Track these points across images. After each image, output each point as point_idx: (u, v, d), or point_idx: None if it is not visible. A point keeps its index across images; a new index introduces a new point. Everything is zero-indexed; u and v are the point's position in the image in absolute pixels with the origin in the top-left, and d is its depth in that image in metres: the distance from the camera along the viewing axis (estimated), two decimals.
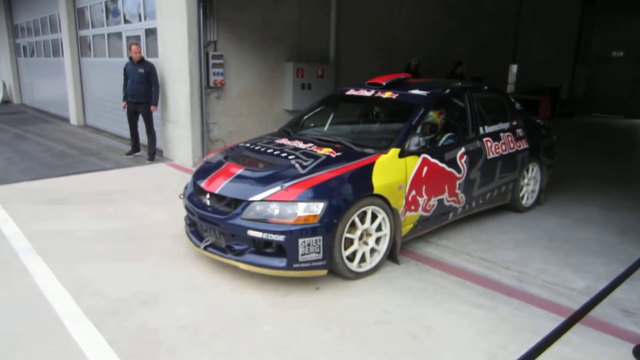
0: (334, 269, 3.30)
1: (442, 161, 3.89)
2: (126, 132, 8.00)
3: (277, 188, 3.20)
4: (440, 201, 3.94)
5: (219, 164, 3.74)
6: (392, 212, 3.52)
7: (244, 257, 3.23)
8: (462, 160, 4.05)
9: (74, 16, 10.21)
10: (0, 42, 15.15)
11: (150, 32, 7.64)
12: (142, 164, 6.93)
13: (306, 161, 3.51)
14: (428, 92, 4.08)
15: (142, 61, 6.95)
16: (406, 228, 3.72)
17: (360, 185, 3.34)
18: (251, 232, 3.14)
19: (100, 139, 8.84)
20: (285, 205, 3.13)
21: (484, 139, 4.32)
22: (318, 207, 3.13)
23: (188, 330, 2.77)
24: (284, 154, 3.70)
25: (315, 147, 3.78)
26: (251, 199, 3.21)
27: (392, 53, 9.09)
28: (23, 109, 13.45)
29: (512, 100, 4.97)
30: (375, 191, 3.37)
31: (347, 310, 3.03)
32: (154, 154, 7.18)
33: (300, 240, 3.09)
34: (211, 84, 6.85)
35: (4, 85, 14.85)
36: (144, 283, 3.32)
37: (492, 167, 4.38)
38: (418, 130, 3.79)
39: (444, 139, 4.07)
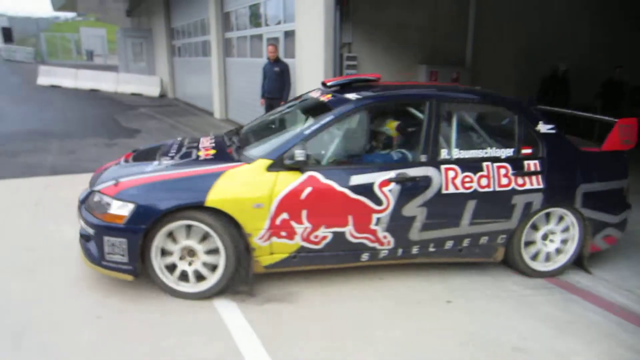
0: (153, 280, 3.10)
1: (344, 185, 3.08)
2: None
3: (113, 181, 3.09)
4: (339, 235, 3.15)
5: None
6: (239, 233, 3.02)
7: (86, 244, 3.12)
8: (386, 189, 3.13)
9: (221, 20, 11.12)
10: (160, 43, 17.14)
11: (289, 34, 8.01)
12: None
13: (170, 160, 3.31)
14: (360, 97, 3.32)
15: (277, 60, 7.38)
16: (275, 257, 3.14)
17: (189, 194, 2.96)
18: (80, 221, 3.14)
19: None
20: (106, 200, 3.00)
21: (443, 166, 3.24)
22: (127, 208, 2.91)
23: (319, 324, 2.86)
24: (172, 152, 3.52)
25: (207, 148, 3.52)
26: (94, 188, 3.18)
27: (537, 57, 8.40)
28: (175, 102, 15.07)
29: (536, 118, 3.48)
30: (208, 204, 2.93)
31: (481, 330, 2.85)
32: None
33: (105, 238, 2.93)
34: None
35: (162, 81, 16.77)
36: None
37: (454, 206, 3.27)
38: (340, 142, 3.27)
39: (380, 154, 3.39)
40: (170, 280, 3.10)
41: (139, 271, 3.02)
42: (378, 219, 3.16)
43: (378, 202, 3.13)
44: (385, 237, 3.23)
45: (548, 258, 3.58)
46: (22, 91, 15.70)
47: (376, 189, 3.12)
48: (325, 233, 3.14)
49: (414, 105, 3.50)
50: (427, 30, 7.46)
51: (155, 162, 3.30)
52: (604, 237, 3.62)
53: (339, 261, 3.28)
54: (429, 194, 3.19)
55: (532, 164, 3.37)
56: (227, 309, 3.00)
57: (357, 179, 3.11)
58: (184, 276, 3.11)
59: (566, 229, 3.54)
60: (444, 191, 3.21)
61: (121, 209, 2.93)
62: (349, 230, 3.16)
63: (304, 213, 3.07)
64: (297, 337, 2.75)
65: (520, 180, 3.33)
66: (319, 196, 3.07)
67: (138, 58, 18.99)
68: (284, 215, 3.06)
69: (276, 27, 8.56)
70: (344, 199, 3.09)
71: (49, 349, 2.60)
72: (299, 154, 2.97)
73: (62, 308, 2.99)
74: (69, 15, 53.64)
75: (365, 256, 3.28)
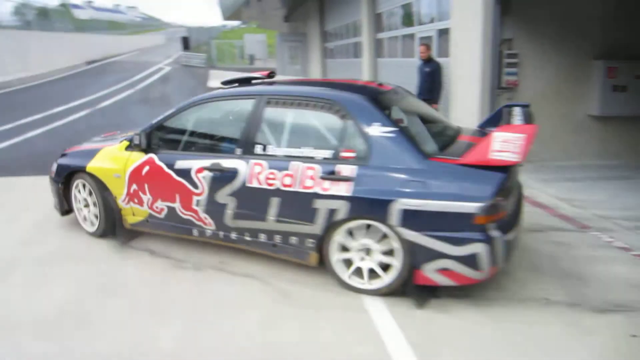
0: None
1: (170, 167, 3.68)
2: None
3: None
4: (172, 209, 3.77)
5: None
6: (109, 194, 4.05)
7: None
8: (200, 175, 3.55)
9: (373, 21, 11.27)
10: (313, 46, 18.07)
11: (443, 33, 7.78)
12: None
13: (100, 137, 4.86)
14: (205, 94, 3.86)
15: (429, 60, 7.21)
16: (136, 218, 4.02)
17: (81, 161, 4.18)
18: None
19: None
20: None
21: (252, 161, 3.36)
22: (55, 167, 4.38)
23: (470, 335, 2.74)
24: (117, 133, 4.89)
25: (130, 131, 4.51)
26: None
27: None
28: None
29: (372, 118, 3.12)
30: (87, 170, 4.09)
31: None
32: None
33: (51, 187, 4.49)
34: (503, 85, 6.54)
35: None
36: None
37: (258, 200, 3.34)
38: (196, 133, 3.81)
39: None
40: (85, 225, 4.33)
41: (62, 211, 4.44)
42: (197, 201, 3.61)
43: (195, 186, 3.58)
44: (206, 218, 3.64)
45: (372, 275, 3.19)
46: (196, 92, 17.83)
47: (193, 174, 3.58)
48: (162, 205, 3.82)
49: (244, 102, 3.61)
50: (604, 21, 6.58)
51: (99, 137, 4.84)
52: (440, 270, 2.95)
53: (177, 231, 3.85)
54: (236, 185, 3.40)
55: (346, 169, 3.06)
56: (377, 311, 3.05)
57: (180, 164, 3.64)
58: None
59: (390, 248, 3.07)
60: (248, 184, 3.35)
61: (54, 167, 4.42)
62: (177, 207, 3.73)
63: (146, 186, 3.83)
64: (448, 348, 2.69)
65: (326, 185, 3.09)
66: (154, 174, 3.76)
67: (294, 61, 20.30)
68: (134, 186, 3.89)
69: (429, 26, 8.39)
70: (170, 179, 3.68)
71: (222, 325, 2.92)
72: (136, 139, 3.81)
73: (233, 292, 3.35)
74: (235, 23, 59.53)
75: (195, 232, 3.75)
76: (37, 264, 3.81)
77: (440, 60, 7.38)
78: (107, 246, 4.14)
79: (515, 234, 3.10)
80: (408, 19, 9.46)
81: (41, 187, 5.07)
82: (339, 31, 14.93)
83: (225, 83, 4.08)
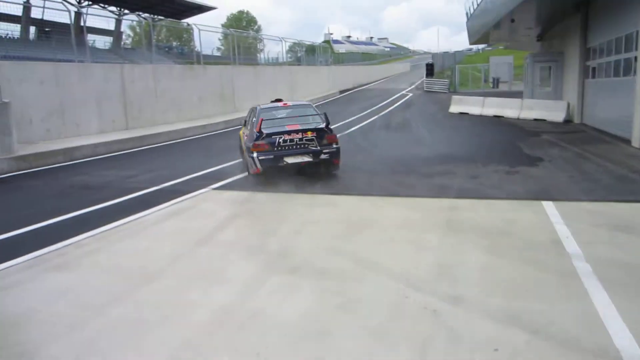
0: None
1: (244, 133, 9.00)
2: None
3: None
4: (242, 149, 8.97)
5: None
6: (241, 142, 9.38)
7: None
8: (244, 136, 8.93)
9: None
10: (571, 65, 16.17)
11: None
12: None
13: None
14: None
15: None
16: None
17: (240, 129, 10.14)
18: None
19: None
20: None
21: (245, 129, 9.04)
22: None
23: None
24: None
25: None
26: None
27: None
28: (582, 128, 13.82)
29: (259, 116, 8.06)
30: (240, 133, 9.64)
31: None
32: None
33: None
34: None
35: (568, 105, 15.79)
36: None
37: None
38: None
39: None
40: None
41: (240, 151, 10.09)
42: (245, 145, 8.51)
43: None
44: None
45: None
46: (436, 119, 18.12)
47: (244, 135, 8.92)
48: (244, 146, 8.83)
49: (253, 109, 8.80)
50: None
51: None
52: (250, 166, 7.87)
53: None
54: (243, 139, 9.22)
55: (247, 132, 8.72)
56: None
57: (243, 132, 9.23)
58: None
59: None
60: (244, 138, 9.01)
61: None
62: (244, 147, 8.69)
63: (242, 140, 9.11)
64: None
65: (245, 138, 8.73)
66: (243, 136, 8.94)
67: (544, 83, 18.57)
68: (243, 139, 8.93)
69: None
70: (242, 138, 9.07)
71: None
72: (242, 122, 9.99)
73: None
74: (480, 46, 58.34)
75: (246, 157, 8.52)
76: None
77: None
78: None
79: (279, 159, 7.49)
80: None
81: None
82: (605, 47, 13.01)
83: (272, 102, 8.91)
